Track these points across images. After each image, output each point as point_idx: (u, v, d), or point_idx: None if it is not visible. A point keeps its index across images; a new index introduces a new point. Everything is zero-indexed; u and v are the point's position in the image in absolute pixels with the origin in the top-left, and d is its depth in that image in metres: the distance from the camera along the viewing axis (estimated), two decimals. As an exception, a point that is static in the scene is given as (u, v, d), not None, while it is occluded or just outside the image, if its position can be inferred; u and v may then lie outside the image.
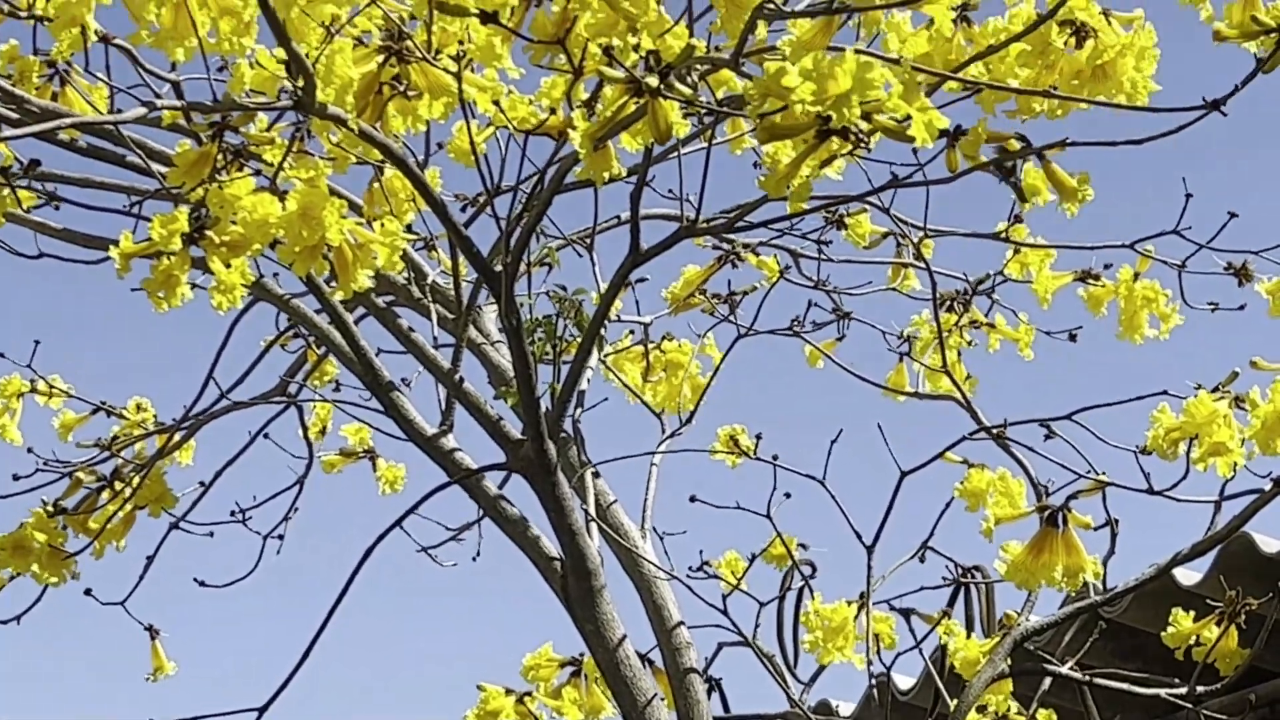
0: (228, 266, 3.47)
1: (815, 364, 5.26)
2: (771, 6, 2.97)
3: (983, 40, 3.36)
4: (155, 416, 5.33)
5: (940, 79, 3.30)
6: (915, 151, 3.68)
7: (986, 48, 3.29)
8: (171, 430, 5.05)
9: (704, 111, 3.19)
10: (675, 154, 4.19)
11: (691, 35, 3.16)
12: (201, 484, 5.26)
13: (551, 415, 4.12)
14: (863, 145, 2.61)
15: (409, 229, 4.81)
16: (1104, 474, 4.14)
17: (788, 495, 4.58)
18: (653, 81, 2.83)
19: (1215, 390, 4.03)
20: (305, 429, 5.51)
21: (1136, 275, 4.99)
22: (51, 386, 5.31)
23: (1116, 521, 4.12)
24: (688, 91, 2.88)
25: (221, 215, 3.46)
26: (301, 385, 5.35)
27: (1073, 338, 5.22)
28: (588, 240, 4.95)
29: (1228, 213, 4.70)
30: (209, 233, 3.46)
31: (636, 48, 3.14)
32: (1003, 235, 4.84)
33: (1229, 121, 3.15)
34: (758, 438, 4.96)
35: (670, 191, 4.85)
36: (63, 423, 5.37)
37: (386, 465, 5.84)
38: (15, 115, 3.77)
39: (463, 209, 5.28)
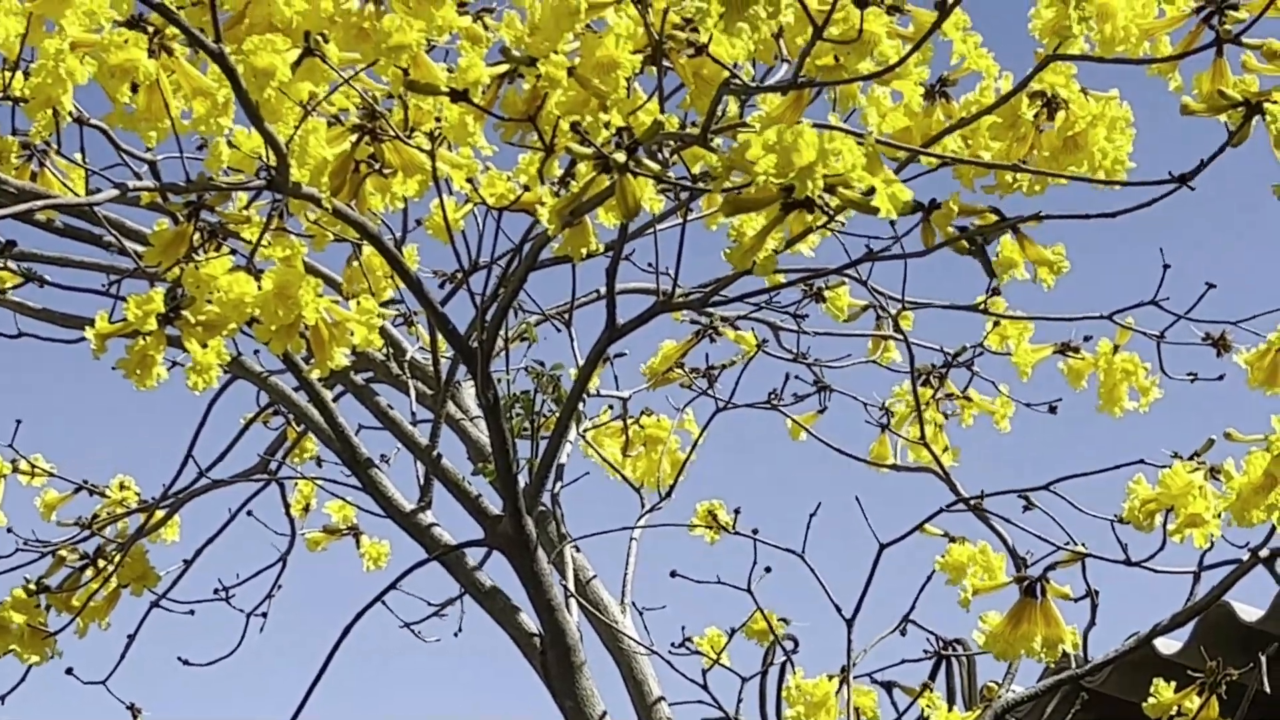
0: (204, 347, 3.48)
1: (797, 437, 5.26)
2: (738, 83, 2.98)
3: (960, 114, 3.39)
4: (138, 495, 5.33)
5: (911, 153, 3.33)
6: (893, 224, 3.72)
7: (958, 120, 3.31)
8: (152, 509, 5.05)
9: (676, 188, 3.20)
10: (652, 229, 4.22)
11: (664, 111, 3.18)
12: (185, 562, 5.24)
13: (529, 491, 4.12)
14: (830, 218, 2.63)
15: (389, 304, 4.85)
16: (1083, 544, 4.14)
17: (768, 569, 4.57)
18: (620, 158, 2.85)
19: (1192, 458, 4.04)
20: (287, 506, 5.50)
21: (1116, 348, 5.00)
22: (34, 466, 5.30)
23: (1096, 593, 4.11)
24: (656, 168, 2.89)
25: (197, 295, 3.47)
26: (281, 462, 5.35)
27: (1053, 410, 5.23)
28: (565, 315, 4.97)
29: (1205, 283, 4.72)
30: (185, 313, 3.47)
31: (607, 124, 3.16)
32: (981, 307, 4.85)
33: (1205, 190, 3.18)
34: (736, 512, 4.95)
35: (649, 265, 4.87)
36: (45, 502, 5.37)
37: (370, 542, 5.84)
38: (-8, 196, 3.79)
39: (440, 285, 5.31)
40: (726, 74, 3.01)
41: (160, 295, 3.44)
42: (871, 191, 2.62)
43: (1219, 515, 3.84)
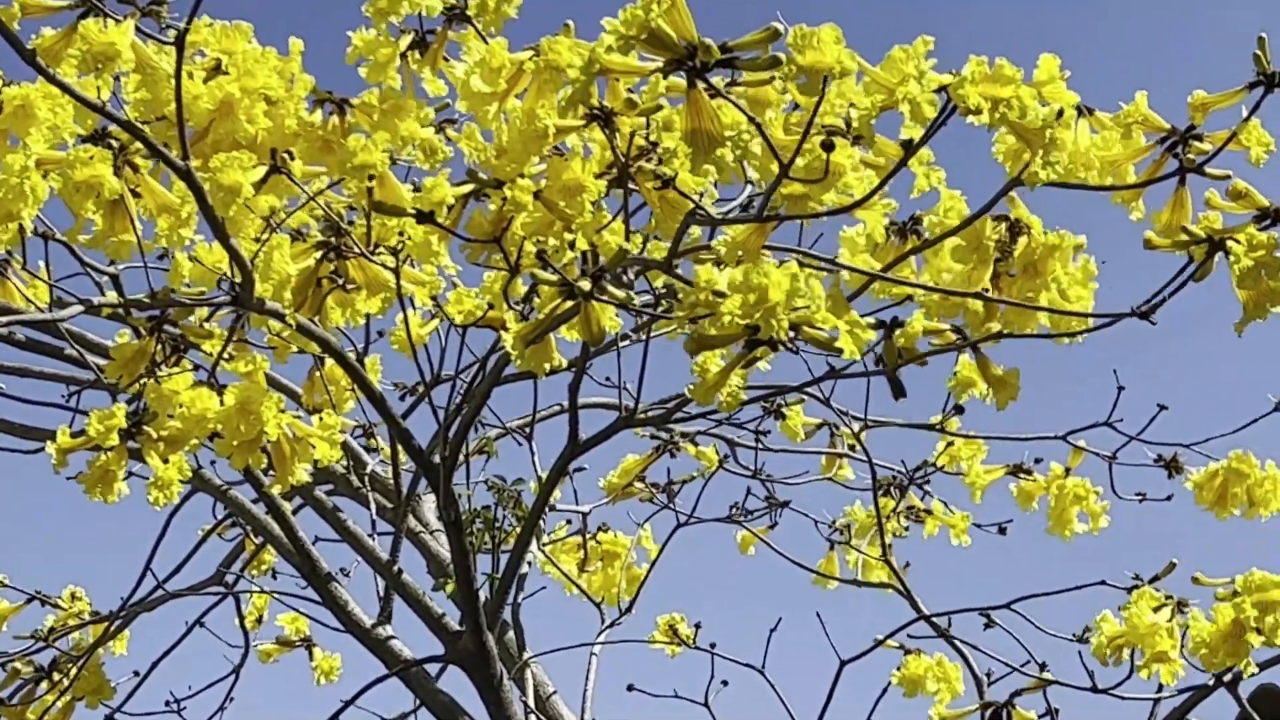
0: (165, 462, 3.47)
1: (746, 551, 5.28)
2: (703, 214, 3.00)
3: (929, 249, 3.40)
4: (91, 606, 5.31)
5: (872, 278, 3.34)
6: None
7: (922, 242, 3.33)
8: (108, 620, 5.02)
9: (641, 315, 3.21)
10: (614, 346, 4.22)
11: (629, 231, 3.19)
12: (136, 673, 5.21)
13: (490, 607, 4.11)
14: (794, 353, 2.64)
15: (355, 414, 4.84)
16: (1043, 664, 4.15)
17: (725, 683, 4.57)
18: (585, 285, 2.86)
19: (1152, 582, 4.06)
20: (242, 618, 5.46)
21: (1068, 470, 5.04)
22: (-15, 576, 5.28)
23: (1056, 712, 4.12)
24: (621, 295, 2.90)
25: (160, 410, 3.46)
26: (239, 575, 5.32)
27: (1002, 531, 5.24)
28: (527, 429, 4.97)
29: (1158, 405, 4.75)
30: (147, 428, 3.47)
31: (573, 245, 3.17)
32: (938, 426, 4.87)
33: (1161, 313, 3.19)
34: (697, 626, 4.96)
35: (608, 380, 4.88)
36: (-3, 612, 5.34)
37: (323, 655, 5.80)
38: (-46, 309, 3.78)
39: (401, 398, 5.30)
40: (691, 204, 3.03)
41: (122, 411, 3.43)
42: (835, 330, 2.64)
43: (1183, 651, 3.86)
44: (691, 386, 2.80)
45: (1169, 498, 5.00)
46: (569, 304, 2.92)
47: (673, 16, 2.62)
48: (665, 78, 2.71)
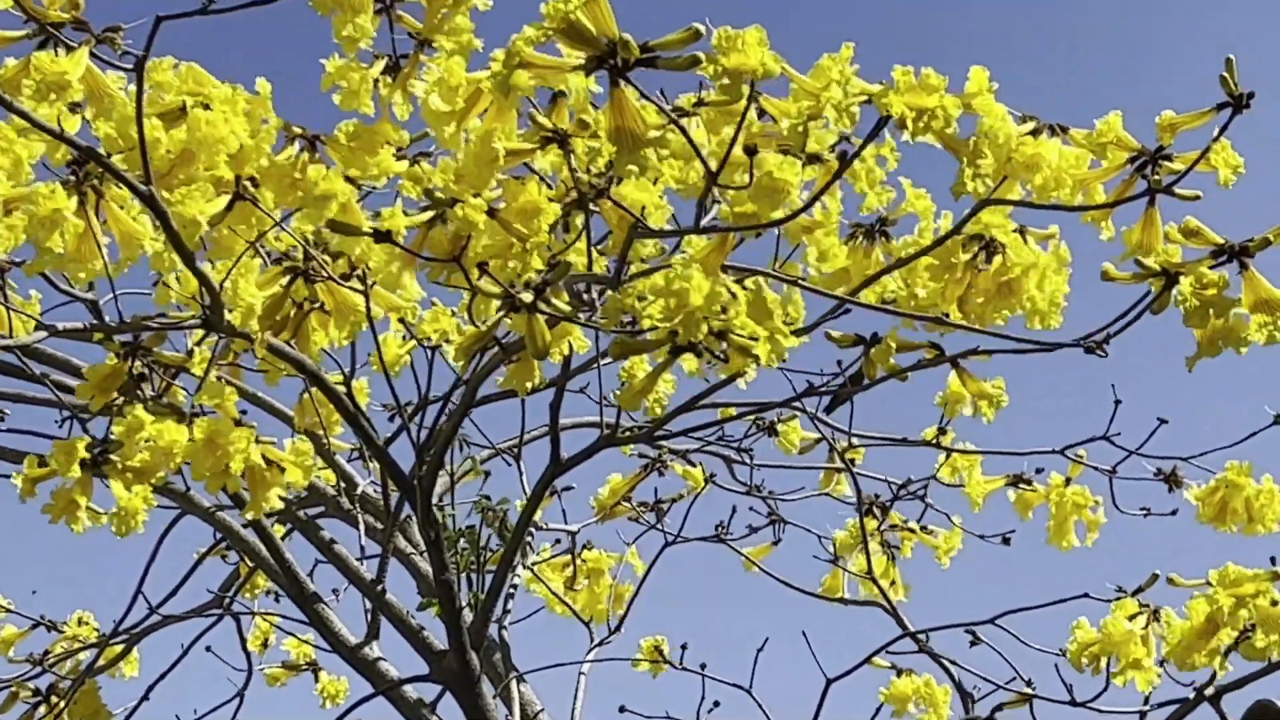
0: (130, 491, 3.49)
1: (749, 570, 5.26)
2: (643, 226, 3.00)
3: (898, 254, 3.41)
4: (96, 630, 5.34)
5: (842, 301, 3.35)
6: (839, 361, 3.74)
7: (896, 261, 3.34)
8: (104, 645, 5.05)
9: (594, 326, 3.22)
10: (596, 364, 4.24)
11: (591, 251, 3.20)
12: (140, 699, 5.23)
13: (475, 626, 4.12)
14: (721, 360, 2.65)
15: (348, 436, 4.86)
16: (1029, 679, 4.15)
17: (716, 704, 4.57)
18: (527, 298, 2.87)
19: (1135, 594, 4.05)
20: (244, 641, 5.49)
21: (1068, 481, 5.02)
22: (-9, 602, 5.32)
23: (1042, 729, 4.12)
24: (565, 308, 2.92)
25: (126, 441, 3.48)
26: (234, 598, 5.34)
27: (1006, 541, 5.23)
28: (515, 450, 4.98)
29: (1157, 419, 4.73)
30: (113, 457, 3.49)
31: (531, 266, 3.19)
32: (932, 442, 4.87)
33: (1157, 325, 3.20)
34: (683, 648, 4.96)
35: (584, 392, 4.89)
36: (3, 638, 5.38)
37: (329, 679, 5.83)
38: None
39: (390, 419, 5.32)
40: (653, 217, 3.04)
41: (83, 442, 3.46)
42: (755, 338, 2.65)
43: (1161, 661, 3.85)
44: (617, 392, 2.82)
45: (1173, 512, 4.98)
46: (519, 318, 2.93)
47: (593, 11, 2.63)
48: (587, 75, 2.71)
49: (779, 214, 3.03)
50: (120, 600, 6.24)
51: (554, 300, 2.91)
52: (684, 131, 2.68)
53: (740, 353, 2.63)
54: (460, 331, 3.95)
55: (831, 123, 2.78)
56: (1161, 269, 3.15)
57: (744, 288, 2.78)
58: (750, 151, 2.81)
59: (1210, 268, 3.17)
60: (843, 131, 2.92)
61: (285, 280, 3.53)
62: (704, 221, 3.64)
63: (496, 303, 3.00)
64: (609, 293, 2.95)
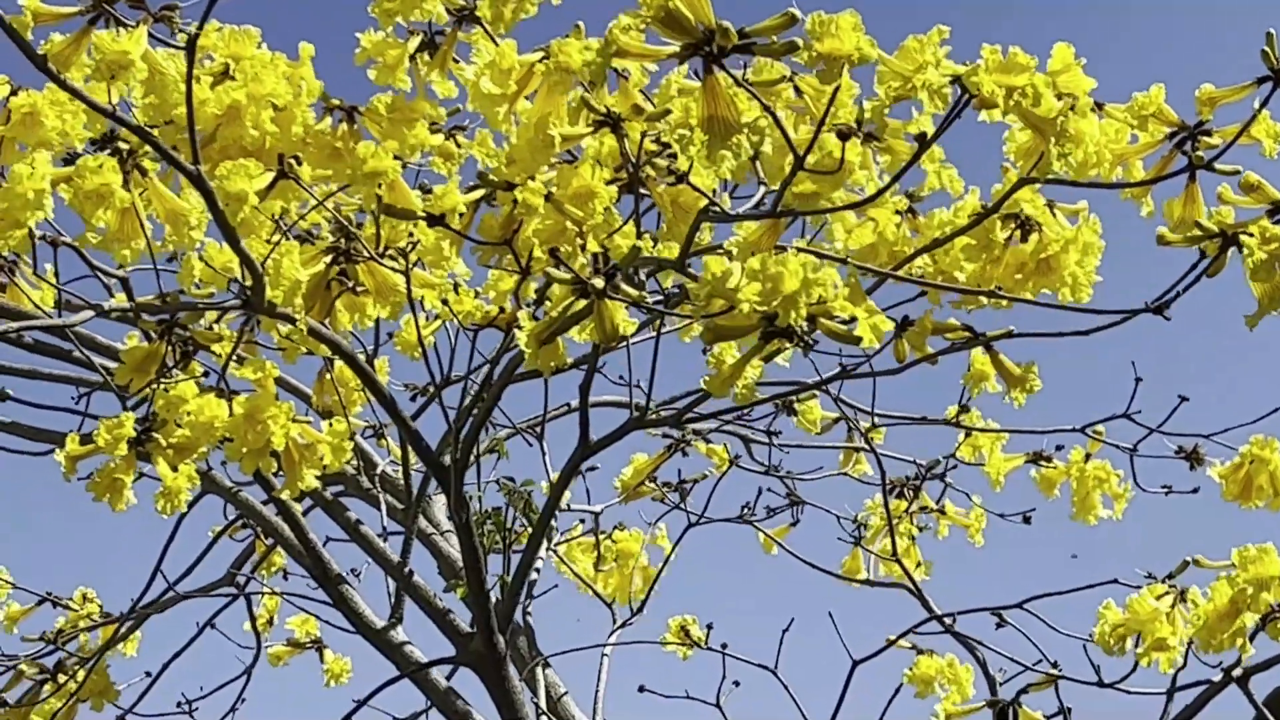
0: (174, 470, 3.45)
1: (769, 551, 5.24)
2: (716, 210, 2.98)
3: (928, 231, 3.38)
4: (101, 607, 5.30)
5: (883, 277, 3.32)
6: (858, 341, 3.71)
7: (931, 241, 3.30)
8: (119, 622, 5.01)
9: (654, 313, 3.20)
10: (625, 344, 4.20)
11: (640, 233, 3.17)
12: (148, 674, 5.19)
13: (502, 608, 4.09)
14: (811, 346, 2.62)
15: (365, 414, 4.83)
16: (1056, 662, 4.13)
17: (736, 684, 4.55)
18: (599, 284, 2.84)
19: (1166, 580, 4.04)
20: (253, 619, 5.45)
21: (1088, 456, 5.00)
22: (-4, 578, 5.27)
23: (1069, 711, 4.10)
24: (634, 293, 2.88)
25: (168, 417, 3.44)
26: (249, 577, 5.30)
27: (1027, 520, 5.22)
28: (538, 429, 4.94)
29: (1178, 396, 4.72)
30: (155, 435, 3.45)
31: (584, 248, 3.16)
32: (954, 421, 4.85)
33: (1178, 304, 3.17)
34: (708, 628, 4.94)
35: (621, 378, 4.85)
36: (8, 615, 5.34)
37: (334, 658, 5.79)
38: (-38, 313, 3.77)
39: (412, 398, 5.29)
40: (704, 201, 3.00)
41: (130, 420, 3.42)
42: (853, 321, 2.62)
43: (1186, 641, 3.84)
44: (707, 378, 2.78)
45: (1195, 490, 4.98)
46: (582, 303, 2.90)
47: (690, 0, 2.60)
48: (682, 63, 2.68)
49: (841, 195, 3.01)
50: (126, 579, 6.20)
51: (623, 285, 2.87)
52: (776, 119, 2.65)
53: (838, 337, 2.60)
54: (480, 310, 3.91)
55: (924, 105, 2.74)
56: (1218, 230, 3.11)
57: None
58: (843, 136, 2.78)
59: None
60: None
61: (327, 260, 3.49)
62: (752, 202, 3.62)
63: (557, 287, 2.96)
64: (691, 279, 2.91)
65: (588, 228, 3.13)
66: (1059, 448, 5.04)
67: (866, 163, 3.15)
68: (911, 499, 5.10)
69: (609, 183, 3.17)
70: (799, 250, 3.02)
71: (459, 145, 3.70)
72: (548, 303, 3.30)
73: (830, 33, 2.59)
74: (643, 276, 3.38)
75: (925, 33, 2.75)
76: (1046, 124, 2.83)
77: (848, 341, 2.68)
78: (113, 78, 3.02)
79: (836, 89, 2.69)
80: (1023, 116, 2.82)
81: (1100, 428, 4.93)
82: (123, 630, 5.08)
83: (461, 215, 3.31)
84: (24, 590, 5.34)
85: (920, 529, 5.16)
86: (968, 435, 5.01)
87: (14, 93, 3.42)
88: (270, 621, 5.76)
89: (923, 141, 2.80)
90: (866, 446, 5.01)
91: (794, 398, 5.01)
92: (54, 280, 4.05)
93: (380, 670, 4.47)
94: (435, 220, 3.16)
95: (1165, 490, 4.99)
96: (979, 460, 5.05)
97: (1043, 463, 5.04)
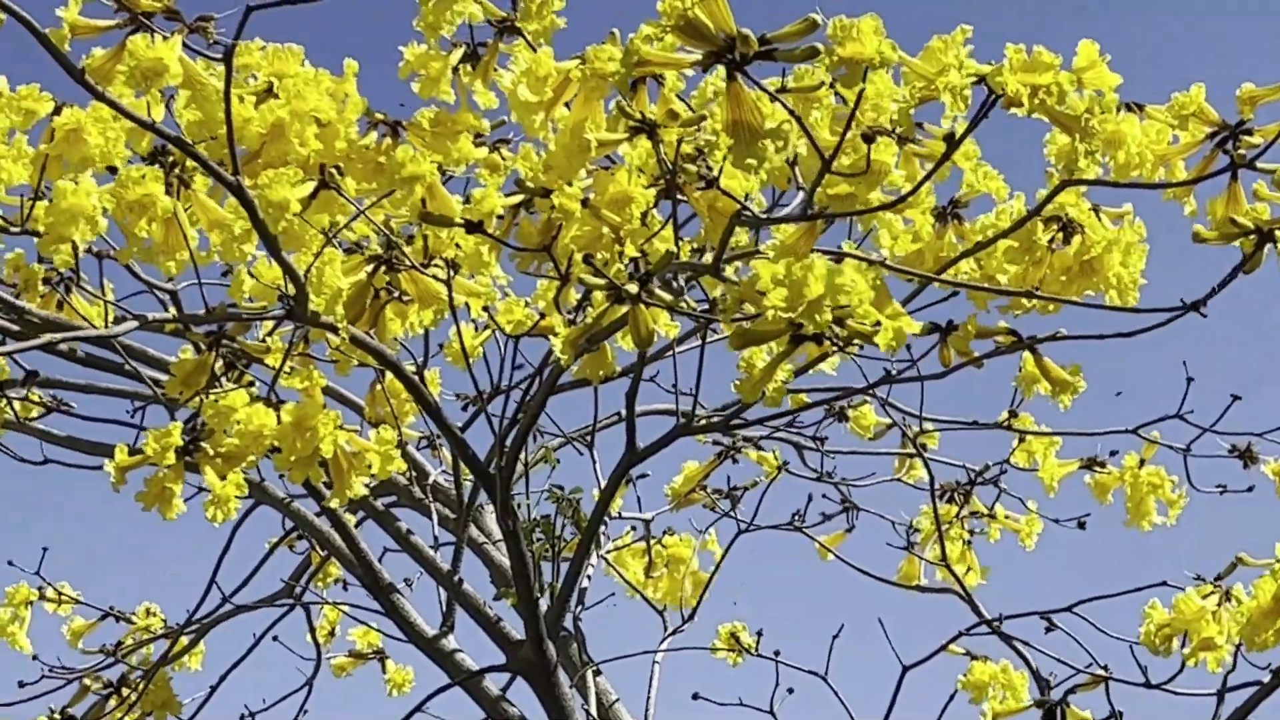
0: (223, 479, 3.49)
1: (825, 559, 5.24)
2: (749, 215, 2.99)
3: (972, 235, 3.39)
4: (164, 621, 5.34)
5: (925, 279, 3.33)
6: (908, 347, 3.72)
7: (974, 244, 3.31)
8: (176, 635, 5.05)
9: (690, 317, 3.21)
10: (671, 352, 4.23)
11: (678, 239, 3.19)
12: (210, 688, 5.23)
13: (551, 616, 4.11)
14: (842, 348, 2.64)
15: (418, 425, 4.86)
16: (1105, 666, 4.12)
17: (790, 690, 4.56)
18: (633, 289, 2.86)
19: (1216, 580, 4.02)
20: (313, 630, 5.48)
21: (1142, 462, 5.00)
22: (60, 593, 5.31)
23: (1120, 714, 4.09)
24: (669, 298, 2.91)
25: (217, 427, 3.48)
26: (305, 587, 5.34)
27: (1081, 525, 5.21)
28: (587, 438, 4.96)
29: (1231, 395, 4.71)
30: (204, 445, 3.49)
31: (621, 254, 3.18)
32: (1005, 424, 4.85)
33: (1227, 301, 3.17)
34: (759, 635, 4.94)
35: (670, 387, 4.87)
36: (72, 630, 5.39)
37: (396, 668, 5.83)
38: (16, 327, 3.82)
39: (464, 409, 5.32)
40: (738, 206, 3.02)
41: (178, 429, 3.46)
42: (878, 325, 2.63)
43: (1235, 641, 3.82)
44: (737, 382, 2.80)
45: (1250, 489, 4.96)
46: (620, 309, 2.93)
47: (710, 8, 2.61)
48: (705, 70, 2.70)
49: (877, 196, 3.02)
50: (185, 592, 6.25)
51: (657, 290, 2.90)
52: (801, 124, 2.67)
53: (863, 339, 2.61)
54: (531, 319, 3.94)
55: (947, 107, 2.75)
56: (1255, 227, 3.10)
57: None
58: (868, 139, 2.79)
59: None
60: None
61: (369, 268, 3.52)
62: (790, 208, 3.63)
63: (596, 294, 2.98)
64: (725, 284, 2.94)
65: (624, 233, 3.15)
66: (1113, 453, 5.04)
67: (907, 165, 3.17)
68: (963, 504, 5.10)
69: (646, 188, 3.19)
70: (845, 255, 3.05)
71: (503, 158, 3.73)
72: (588, 309, 3.33)
73: (852, 37, 2.61)
74: (682, 282, 3.41)
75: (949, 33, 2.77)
76: (1072, 122, 2.83)
77: (871, 344, 2.69)
78: (147, 85, 3.05)
79: (861, 93, 2.70)
80: (1049, 115, 2.83)
81: (1154, 430, 4.92)
82: (184, 643, 5.11)
83: (500, 219, 3.34)
84: (87, 605, 5.39)
85: (972, 534, 5.15)
86: (1021, 440, 5.00)
87: (58, 110, 3.48)
88: (332, 633, 5.80)
89: (951, 141, 2.81)
90: (918, 452, 5.01)
91: (845, 403, 5.02)
92: (106, 295, 4.11)
93: (439, 681, 4.49)
94: (474, 227, 3.19)
95: (1220, 490, 4.98)
96: (1033, 465, 5.04)
97: (1096, 469, 5.04)
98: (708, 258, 3.20)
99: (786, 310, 2.58)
